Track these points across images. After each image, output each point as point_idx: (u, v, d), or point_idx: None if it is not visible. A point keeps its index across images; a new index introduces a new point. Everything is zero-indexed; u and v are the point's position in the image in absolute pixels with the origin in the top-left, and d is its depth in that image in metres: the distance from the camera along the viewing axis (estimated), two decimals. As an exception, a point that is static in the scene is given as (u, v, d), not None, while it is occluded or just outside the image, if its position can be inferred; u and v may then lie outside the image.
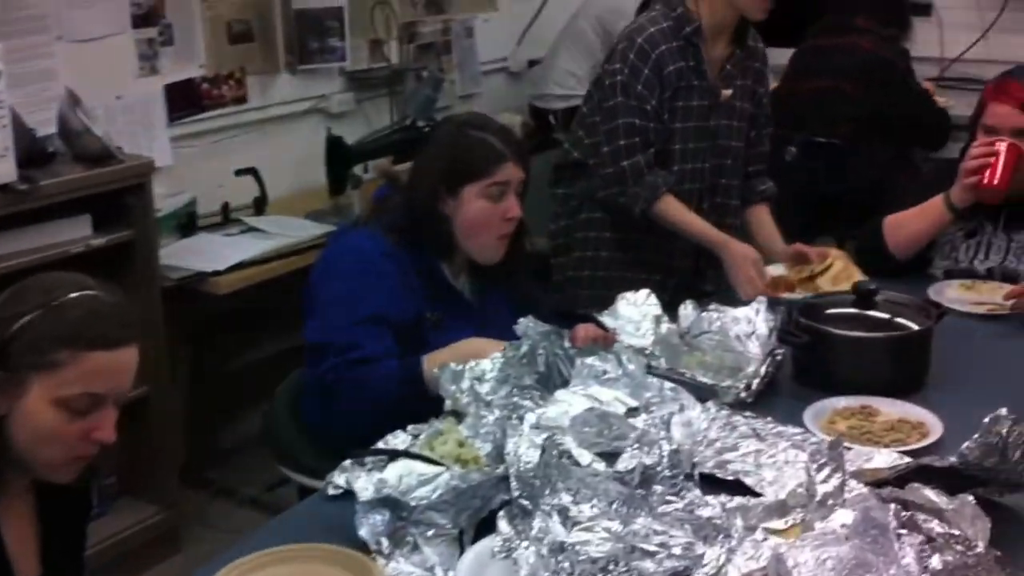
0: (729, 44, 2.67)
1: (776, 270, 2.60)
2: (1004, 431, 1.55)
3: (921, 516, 1.38)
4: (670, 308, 2.66)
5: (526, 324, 1.84)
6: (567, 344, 1.86)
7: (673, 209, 2.63)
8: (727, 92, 2.66)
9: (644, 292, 2.23)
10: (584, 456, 1.47)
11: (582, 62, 4.39)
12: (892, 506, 1.36)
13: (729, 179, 2.76)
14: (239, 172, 3.44)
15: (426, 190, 2.13)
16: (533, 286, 2.40)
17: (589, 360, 1.81)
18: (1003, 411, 1.57)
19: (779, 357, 2.08)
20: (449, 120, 2.36)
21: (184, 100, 3.41)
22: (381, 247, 2.10)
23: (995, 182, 2.42)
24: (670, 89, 2.60)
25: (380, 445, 1.78)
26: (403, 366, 2.00)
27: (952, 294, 2.51)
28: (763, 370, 2.04)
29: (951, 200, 2.52)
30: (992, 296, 2.47)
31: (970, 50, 4.37)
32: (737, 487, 1.65)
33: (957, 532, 1.37)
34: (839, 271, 2.46)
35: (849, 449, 1.73)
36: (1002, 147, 2.43)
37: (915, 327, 2.12)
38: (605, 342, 2.10)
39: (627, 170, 2.60)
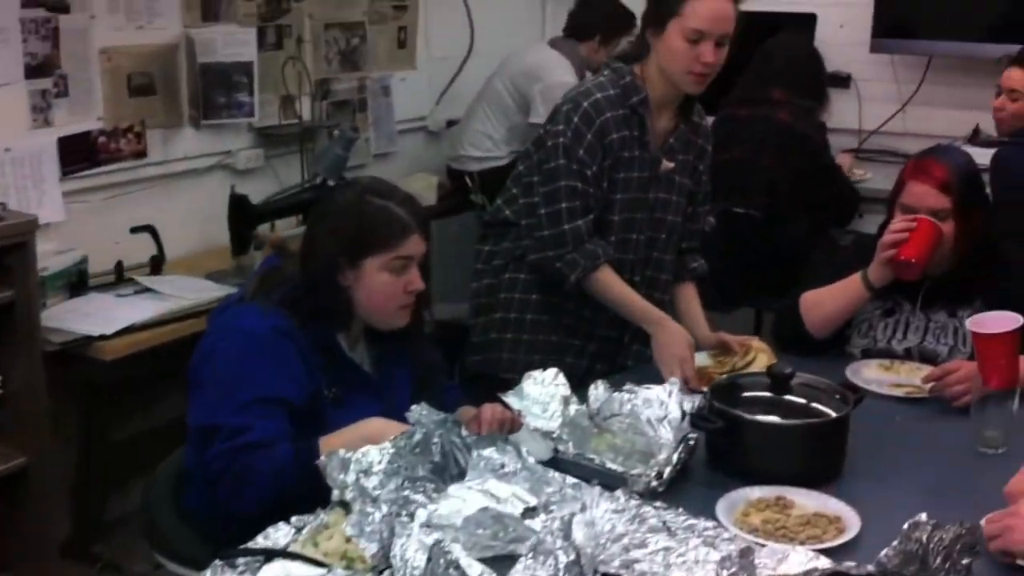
0: (674, 117, 2.59)
1: (698, 362, 2.51)
2: (924, 537, 1.47)
3: (836, 634, 1.28)
4: (588, 375, 2.57)
5: (419, 412, 1.72)
6: (464, 432, 1.73)
7: (610, 281, 2.53)
8: (668, 164, 2.58)
9: (552, 371, 2.12)
10: (473, 568, 1.33)
11: (498, 124, 4.34)
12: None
13: (662, 253, 2.67)
14: (135, 229, 3.28)
15: (324, 261, 2.00)
16: (435, 355, 2.27)
17: (486, 452, 1.68)
18: (922, 516, 1.49)
19: (692, 443, 1.99)
20: (349, 186, 2.21)
21: (79, 153, 3.25)
22: (273, 323, 1.95)
23: (911, 255, 2.37)
24: (611, 157, 2.51)
25: (259, 540, 1.63)
26: (299, 451, 1.85)
27: (870, 374, 2.45)
28: (675, 457, 1.94)
29: (868, 278, 2.46)
30: (911, 378, 2.41)
31: (888, 123, 4.40)
32: (644, 589, 1.54)
33: (874, 652, 1.26)
34: (763, 366, 2.37)
35: (763, 547, 1.64)
36: (921, 222, 2.38)
37: (832, 413, 2.04)
38: (512, 424, 1.98)
39: (568, 234, 2.51)
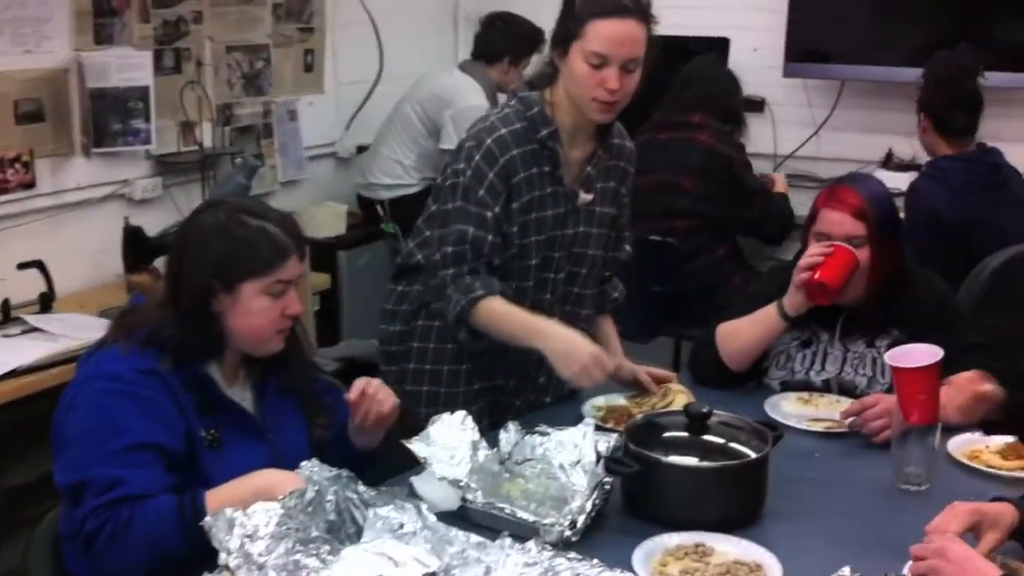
0: (590, 142, 2.39)
1: (614, 400, 2.43)
2: (848, 594, 1.38)
3: None
4: (507, 411, 2.43)
5: (310, 468, 1.60)
6: (361, 488, 1.61)
7: (493, 311, 2.29)
8: (587, 196, 2.39)
9: (460, 414, 2.01)
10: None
11: (408, 150, 4.25)
12: None
13: (583, 288, 2.50)
14: (23, 265, 3.10)
15: (195, 287, 1.86)
16: (321, 382, 2.12)
17: (383, 511, 1.56)
18: (846, 570, 1.41)
19: (607, 487, 1.91)
20: (217, 206, 1.99)
21: (-40, 185, 3.08)
22: (136, 364, 1.81)
23: (826, 277, 2.32)
24: (519, 199, 2.32)
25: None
26: (183, 506, 1.72)
27: (789, 408, 2.39)
28: (589, 504, 1.86)
29: (784, 307, 2.40)
30: (830, 411, 2.35)
31: (803, 147, 4.39)
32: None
33: None
34: (682, 406, 2.29)
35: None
36: (837, 248, 2.34)
37: (751, 452, 1.97)
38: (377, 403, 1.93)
39: (448, 279, 2.33)
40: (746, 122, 3.95)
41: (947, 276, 2.78)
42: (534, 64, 2.51)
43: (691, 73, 3.88)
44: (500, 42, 4.20)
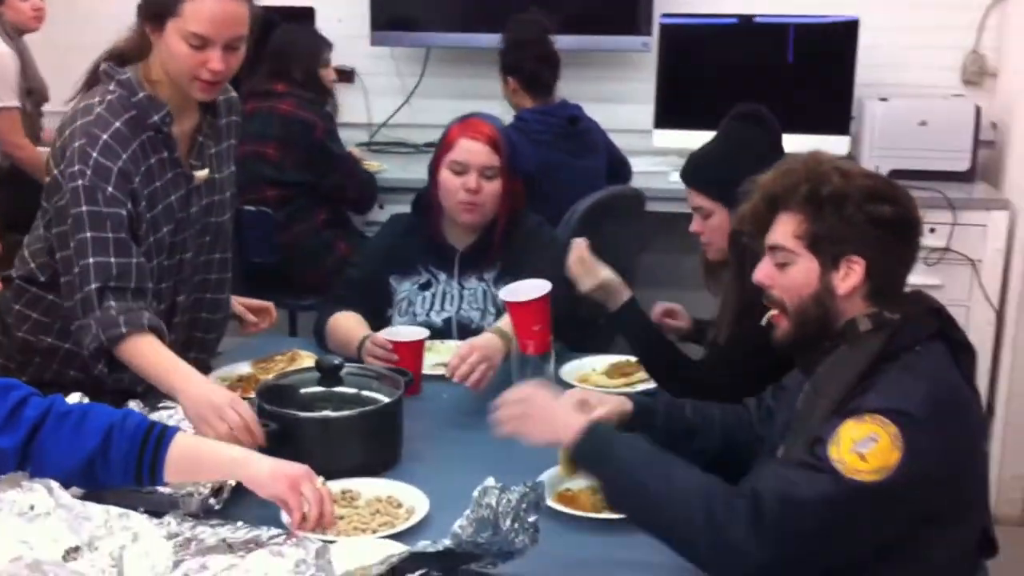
0: (195, 111, 2.22)
1: (239, 370, 2.38)
2: (494, 502, 1.49)
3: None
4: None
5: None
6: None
7: (140, 352, 2.02)
8: (201, 174, 2.24)
9: (77, 396, 1.88)
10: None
11: None
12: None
13: (211, 254, 2.35)
14: None
15: None
16: None
17: (8, 495, 1.43)
18: (490, 481, 1.50)
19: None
20: None
21: None
22: None
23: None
24: (143, 194, 2.11)
25: None
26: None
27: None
28: (230, 469, 1.82)
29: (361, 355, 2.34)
30: (447, 357, 2.40)
31: (396, 115, 4.49)
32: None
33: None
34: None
35: (334, 543, 1.57)
36: (399, 349, 2.30)
37: (384, 399, 2.03)
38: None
39: (91, 302, 2.03)
40: (331, 88, 3.94)
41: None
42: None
43: (276, 39, 3.85)
44: None
